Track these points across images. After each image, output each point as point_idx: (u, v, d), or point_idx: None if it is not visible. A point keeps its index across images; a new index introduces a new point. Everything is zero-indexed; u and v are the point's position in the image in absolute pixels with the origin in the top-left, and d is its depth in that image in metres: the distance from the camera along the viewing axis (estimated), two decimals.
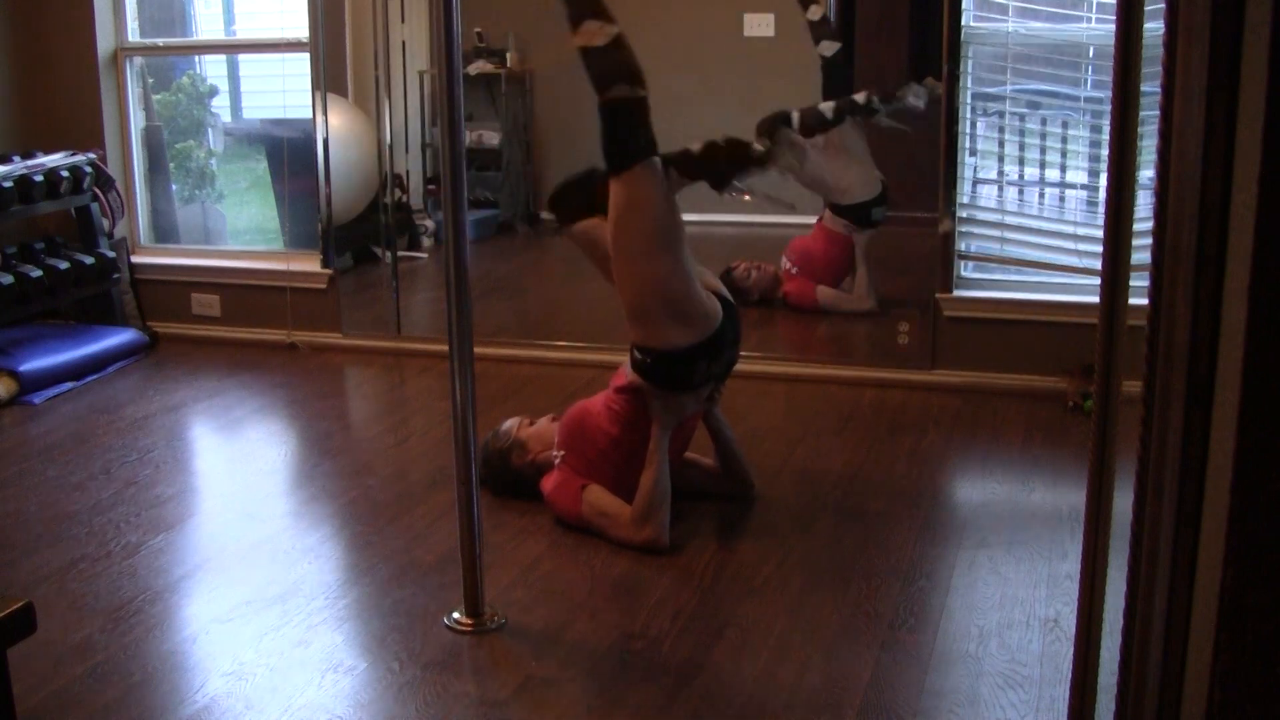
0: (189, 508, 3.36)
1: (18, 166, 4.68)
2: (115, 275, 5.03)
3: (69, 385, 4.45)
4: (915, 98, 4.37)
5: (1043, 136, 4.47)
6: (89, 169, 4.92)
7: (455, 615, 2.61)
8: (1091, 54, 4.24)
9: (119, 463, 3.67)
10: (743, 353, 3.20)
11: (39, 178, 4.68)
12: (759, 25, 4.89)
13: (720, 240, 5.09)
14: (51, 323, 5.05)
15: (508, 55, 5.34)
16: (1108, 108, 2.00)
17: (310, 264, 5.03)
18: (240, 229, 6.13)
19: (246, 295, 5.12)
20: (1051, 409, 3.98)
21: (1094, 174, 4.37)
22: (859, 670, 2.38)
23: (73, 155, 4.92)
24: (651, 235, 2.84)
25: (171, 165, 5.71)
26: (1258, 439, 1.11)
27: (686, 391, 2.97)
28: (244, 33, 5.98)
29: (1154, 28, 1.19)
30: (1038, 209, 4.53)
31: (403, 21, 5.20)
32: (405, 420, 4.18)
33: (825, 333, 4.90)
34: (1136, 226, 1.44)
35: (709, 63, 5.05)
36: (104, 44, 5.14)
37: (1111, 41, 1.36)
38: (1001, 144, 4.45)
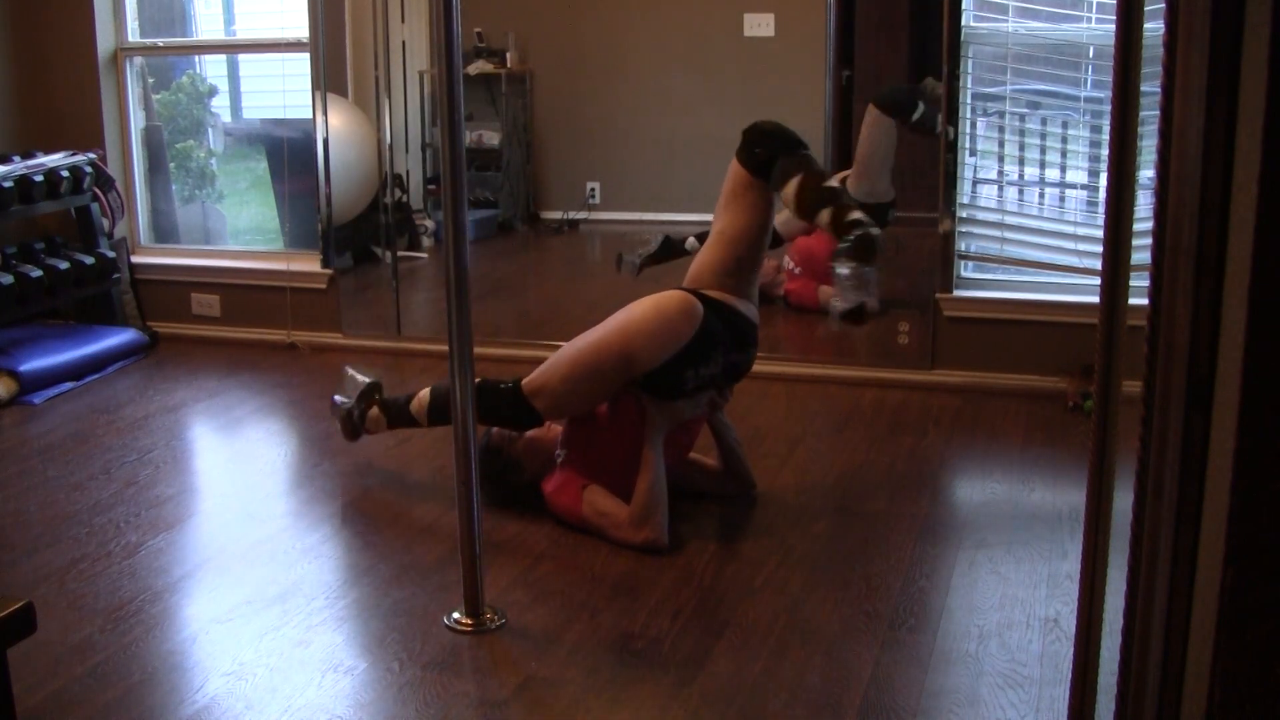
0: (189, 508, 3.36)
1: (18, 166, 4.68)
2: (115, 275, 5.03)
3: (69, 385, 4.45)
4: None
5: (1043, 136, 4.48)
6: (89, 169, 4.92)
7: (455, 615, 2.61)
8: (1091, 54, 4.24)
9: (119, 463, 3.67)
10: (749, 370, 3.18)
11: (39, 178, 4.68)
12: (759, 25, 4.89)
13: None
14: (51, 323, 5.05)
15: (508, 55, 5.34)
16: (1108, 108, 2.00)
17: (310, 264, 5.03)
18: (240, 229, 6.13)
19: (246, 295, 5.12)
20: (1051, 409, 3.97)
21: (1094, 174, 4.37)
22: (859, 670, 2.38)
23: (73, 155, 4.92)
24: (565, 379, 3.05)
25: (171, 165, 5.71)
26: (1258, 439, 1.11)
27: (680, 399, 2.98)
28: (244, 33, 5.98)
29: (1154, 28, 1.19)
30: (1038, 209, 4.53)
31: (403, 21, 5.20)
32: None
33: (825, 333, 4.90)
34: (1136, 226, 1.44)
35: (709, 63, 5.05)
36: (104, 44, 5.14)
37: (1111, 41, 1.36)
38: (1001, 144, 4.45)
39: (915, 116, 4.53)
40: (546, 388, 3.03)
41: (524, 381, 3.07)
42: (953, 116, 4.13)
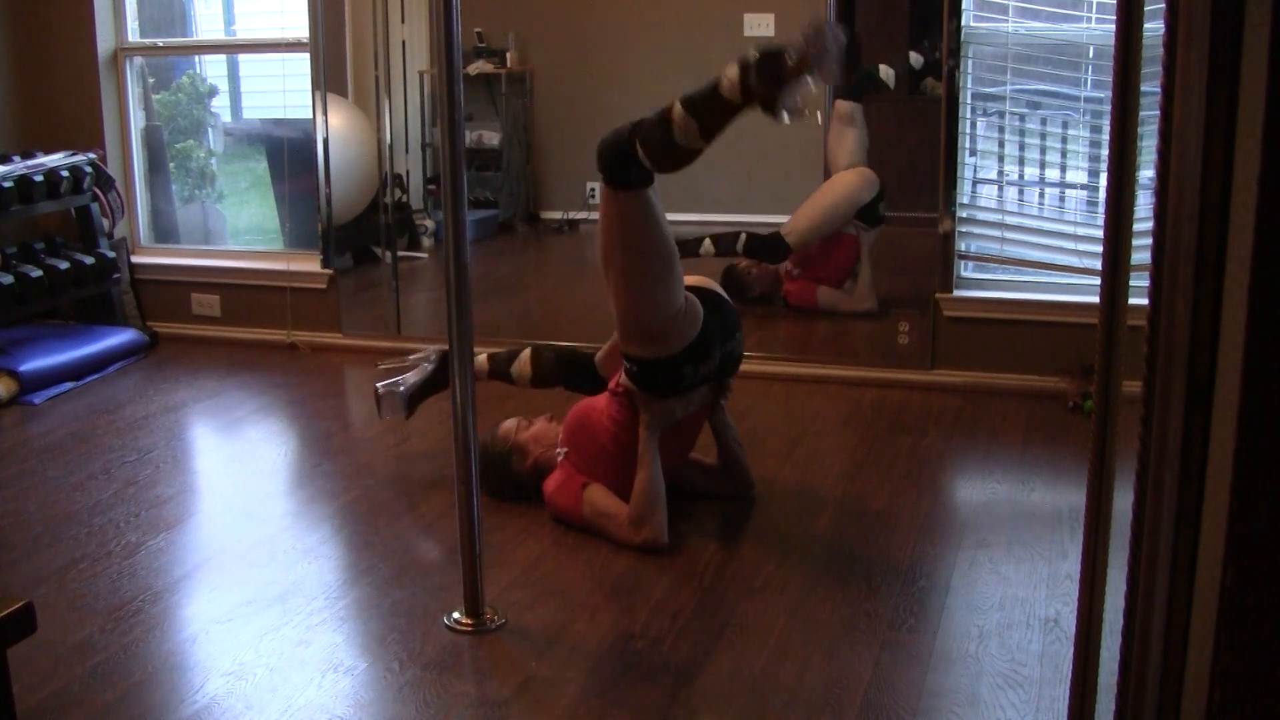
0: (189, 508, 3.36)
1: (18, 166, 4.68)
2: (115, 275, 5.04)
3: (69, 385, 4.46)
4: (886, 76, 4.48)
5: (1043, 136, 4.48)
6: (89, 169, 4.92)
7: (455, 615, 2.61)
8: (1091, 54, 4.24)
9: (119, 463, 3.67)
10: (744, 352, 3.18)
11: (39, 178, 4.68)
12: (759, 25, 4.89)
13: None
14: (51, 323, 5.05)
15: (508, 55, 5.34)
16: (1108, 108, 2.00)
17: (310, 264, 5.03)
18: (240, 229, 6.13)
19: (246, 295, 5.12)
20: (1051, 409, 3.97)
21: (1094, 174, 4.38)
22: (859, 670, 2.38)
23: (73, 155, 4.92)
24: (651, 258, 2.82)
25: (171, 165, 5.71)
26: (1258, 439, 1.10)
27: (675, 396, 2.97)
28: (244, 33, 5.98)
29: (1154, 28, 1.19)
30: (1038, 209, 4.53)
31: (403, 21, 5.20)
32: (405, 420, 4.17)
33: (825, 333, 4.90)
34: (1136, 226, 1.44)
35: (709, 63, 5.04)
36: (104, 44, 5.14)
37: (1111, 41, 1.36)
38: (1001, 144, 4.45)
39: (857, 80, 4.62)
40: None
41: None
42: (953, 116, 4.13)
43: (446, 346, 3.43)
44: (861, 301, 4.75)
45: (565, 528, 3.07)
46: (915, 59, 4.60)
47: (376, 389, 3.54)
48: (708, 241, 4.70)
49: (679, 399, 2.98)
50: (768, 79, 2.51)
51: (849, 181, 4.70)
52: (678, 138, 2.64)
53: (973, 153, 4.37)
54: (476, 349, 3.06)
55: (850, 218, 4.71)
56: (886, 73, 4.60)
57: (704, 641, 2.50)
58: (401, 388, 3.53)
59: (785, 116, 2.54)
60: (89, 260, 4.87)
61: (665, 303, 2.86)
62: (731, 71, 2.55)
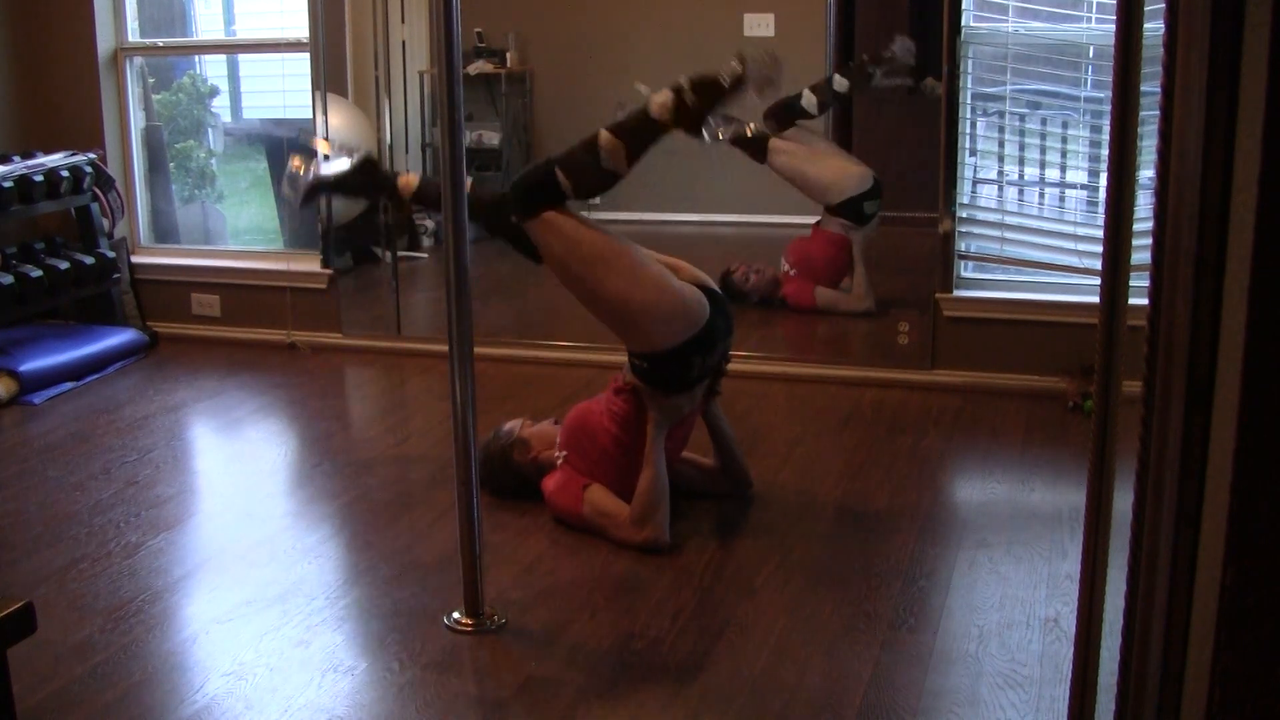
0: (189, 508, 3.36)
1: (18, 166, 4.68)
2: (115, 275, 5.03)
3: (69, 385, 4.45)
4: (902, 51, 4.47)
5: (1043, 136, 4.48)
6: (89, 169, 4.92)
7: (455, 615, 2.61)
8: (1091, 54, 4.24)
9: (119, 463, 3.67)
10: (743, 353, 3.20)
11: (39, 178, 4.68)
12: (759, 25, 4.89)
13: (718, 240, 5.09)
14: (51, 323, 5.05)
15: (508, 55, 5.34)
16: (1108, 108, 2.00)
17: (310, 264, 5.03)
18: (240, 229, 6.13)
19: (246, 295, 5.12)
20: (1051, 409, 3.97)
21: (1094, 174, 4.37)
22: (859, 670, 2.38)
23: (73, 155, 4.92)
24: (587, 263, 2.89)
25: (171, 165, 5.71)
26: (1258, 439, 1.11)
27: (683, 391, 2.98)
28: (244, 33, 5.98)
29: (1154, 28, 1.19)
30: (1038, 209, 4.53)
31: (403, 21, 5.20)
32: (405, 420, 4.18)
33: (825, 333, 4.90)
34: (1136, 226, 1.44)
35: (709, 63, 5.04)
36: (104, 44, 5.14)
37: (1111, 41, 1.36)
38: (1001, 144, 4.45)
39: (803, 112, 4.62)
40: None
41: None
42: (953, 116, 4.13)
43: (371, 154, 3.48)
44: (859, 301, 4.75)
45: (565, 528, 3.07)
46: (840, 82, 4.63)
47: (289, 170, 3.34)
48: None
49: (685, 394, 2.99)
50: (705, 98, 2.80)
51: (836, 170, 4.72)
52: (604, 162, 2.85)
53: (973, 153, 4.37)
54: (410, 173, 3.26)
55: (822, 205, 4.72)
56: (809, 100, 4.62)
57: (704, 641, 2.51)
58: (311, 175, 3.29)
59: (706, 135, 2.85)
60: (89, 260, 4.87)
61: (647, 276, 2.89)
62: (663, 96, 2.81)
